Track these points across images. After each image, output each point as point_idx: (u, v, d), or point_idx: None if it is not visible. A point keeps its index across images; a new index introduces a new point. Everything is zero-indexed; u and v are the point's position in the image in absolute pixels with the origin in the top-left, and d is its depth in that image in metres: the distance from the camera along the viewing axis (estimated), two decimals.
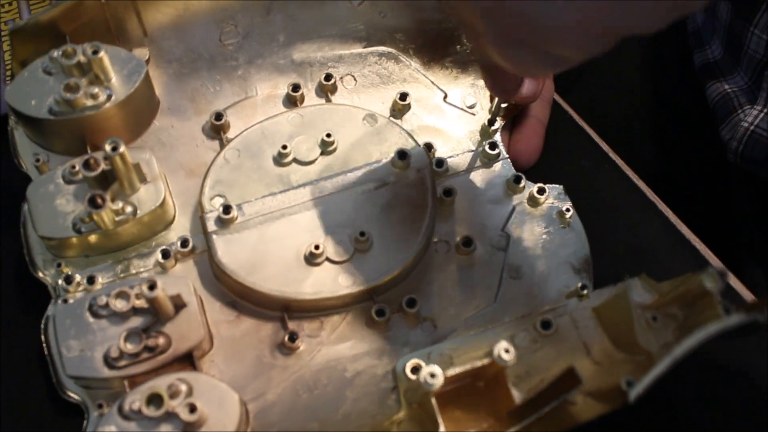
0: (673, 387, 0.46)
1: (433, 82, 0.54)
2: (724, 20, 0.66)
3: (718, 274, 0.37)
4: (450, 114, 0.53)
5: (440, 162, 0.50)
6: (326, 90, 0.53)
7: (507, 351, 0.38)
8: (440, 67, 0.55)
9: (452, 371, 0.38)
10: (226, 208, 0.46)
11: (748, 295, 0.49)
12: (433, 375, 0.37)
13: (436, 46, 0.55)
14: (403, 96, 0.52)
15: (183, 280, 0.43)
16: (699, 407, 0.46)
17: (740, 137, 0.63)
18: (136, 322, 0.42)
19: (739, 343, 0.46)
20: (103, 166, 0.44)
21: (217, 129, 0.51)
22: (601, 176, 0.55)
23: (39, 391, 0.45)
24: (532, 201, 0.49)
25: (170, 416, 0.38)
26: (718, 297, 0.37)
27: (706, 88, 0.69)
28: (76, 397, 0.43)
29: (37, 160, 0.49)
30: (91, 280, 0.46)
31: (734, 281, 0.50)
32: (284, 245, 0.46)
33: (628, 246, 0.51)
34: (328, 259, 0.46)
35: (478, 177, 0.50)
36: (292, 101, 0.53)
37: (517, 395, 0.40)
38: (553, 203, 0.49)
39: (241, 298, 0.46)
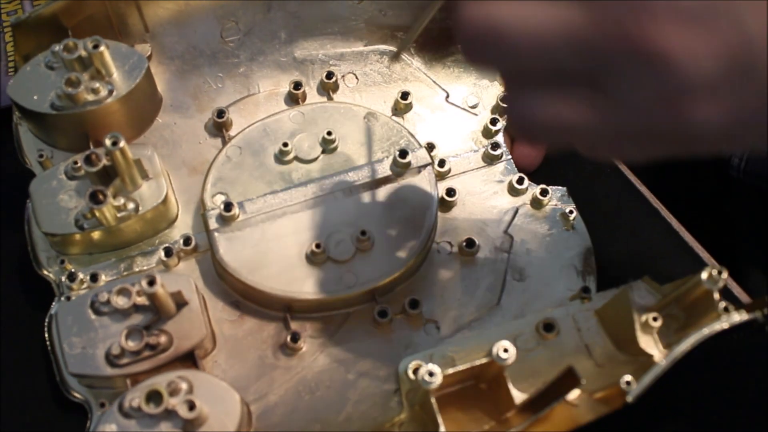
0: (674, 384, 0.46)
1: (434, 82, 0.54)
2: None
3: (717, 272, 0.37)
4: (452, 113, 0.53)
5: (442, 162, 0.50)
6: (328, 88, 0.53)
7: (506, 350, 0.38)
8: (442, 66, 0.55)
9: (451, 370, 0.39)
10: (228, 206, 0.46)
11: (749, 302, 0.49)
12: (431, 373, 0.37)
13: (437, 45, 0.55)
14: (405, 95, 0.52)
15: (184, 278, 0.43)
16: (700, 404, 0.46)
17: (741, 153, 0.62)
18: (137, 319, 0.42)
19: (739, 341, 0.47)
20: (104, 161, 0.44)
21: (219, 126, 0.51)
22: (603, 181, 0.54)
23: (42, 390, 0.45)
24: (535, 202, 0.49)
25: (170, 414, 0.38)
26: (716, 295, 0.37)
27: None
28: (79, 396, 0.43)
29: (41, 156, 0.49)
30: (94, 278, 0.46)
31: (737, 289, 0.50)
32: (286, 244, 0.46)
33: (629, 251, 0.51)
34: (329, 258, 0.46)
35: (480, 177, 0.50)
36: (293, 99, 0.53)
37: (518, 396, 0.40)
38: (556, 205, 0.49)
39: (243, 298, 0.46)
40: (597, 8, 0.27)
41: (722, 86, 0.28)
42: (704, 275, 0.38)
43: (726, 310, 0.38)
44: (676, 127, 0.29)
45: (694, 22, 0.26)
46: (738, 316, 0.37)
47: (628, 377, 0.37)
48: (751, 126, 0.29)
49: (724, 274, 0.37)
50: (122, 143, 0.43)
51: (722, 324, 0.37)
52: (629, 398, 0.37)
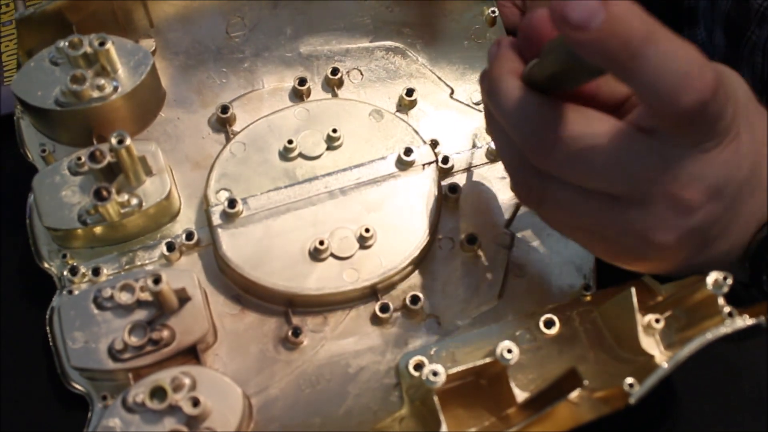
0: (676, 383, 0.46)
1: (440, 78, 0.54)
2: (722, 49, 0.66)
3: (722, 278, 0.37)
4: (456, 110, 0.53)
5: (446, 159, 0.50)
6: (333, 84, 0.53)
7: (510, 351, 0.38)
8: (447, 62, 0.55)
9: (454, 369, 0.39)
10: (232, 202, 0.46)
11: None
12: (435, 373, 0.37)
13: (443, 42, 0.55)
14: (410, 91, 0.52)
15: (187, 274, 0.43)
16: (700, 403, 0.47)
17: None
18: (140, 314, 0.42)
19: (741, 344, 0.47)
20: (108, 158, 0.44)
21: (223, 122, 0.51)
22: None
23: (44, 383, 0.46)
24: None
25: (173, 409, 0.39)
26: (721, 301, 0.37)
27: None
28: (80, 388, 0.43)
29: (44, 151, 0.49)
30: (96, 272, 0.46)
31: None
32: (289, 240, 0.46)
33: None
34: (332, 254, 0.46)
35: (483, 174, 0.50)
36: (298, 95, 0.53)
37: (519, 394, 0.40)
38: None
39: (245, 292, 0.46)
40: (659, 174, 0.35)
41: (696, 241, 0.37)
42: (709, 280, 0.38)
43: (730, 315, 0.37)
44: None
45: (711, 194, 0.35)
46: (741, 321, 0.37)
47: (630, 379, 0.37)
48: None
49: (729, 280, 0.37)
50: (128, 141, 0.43)
51: (726, 329, 0.37)
52: (632, 400, 0.37)
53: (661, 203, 0.35)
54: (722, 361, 0.47)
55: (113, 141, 0.43)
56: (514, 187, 0.40)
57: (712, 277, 0.37)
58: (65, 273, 0.46)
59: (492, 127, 0.42)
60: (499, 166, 0.50)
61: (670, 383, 0.46)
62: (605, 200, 0.36)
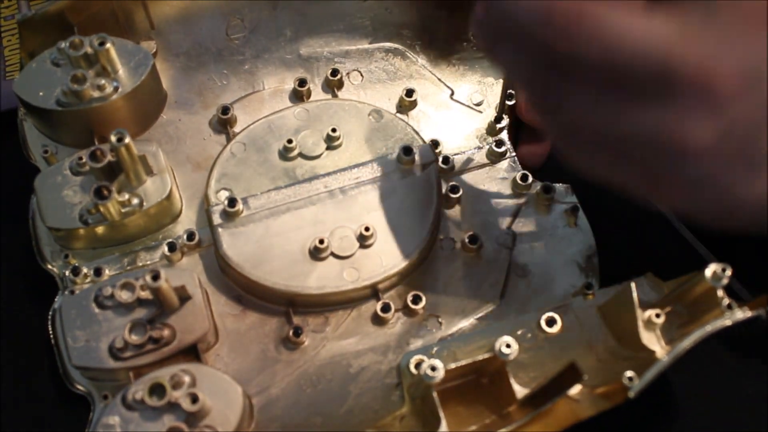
0: (676, 383, 0.46)
1: (439, 79, 0.54)
2: None
3: (721, 269, 0.37)
4: (457, 111, 0.53)
5: (446, 159, 0.50)
6: (332, 85, 0.53)
7: (508, 345, 0.38)
8: (447, 64, 0.55)
9: (453, 365, 0.39)
10: (232, 202, 0.46)
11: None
12: (433, 368, 0.37)
13: (443, 43, 0.55)
14: (410, 92, 0.52)
15: (188, 272, 0.43)
16: (700, 403, 0.46)
17: None
18: (141, 313, 0.42)
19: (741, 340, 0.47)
20: (109, 157, 0.44)
21: (223, 123, 0.51)
22: None
23: (46, 383, 0.46)
24: (539, 199, 0.49)
25: (173, 406, 0.39)
26: (720, 292, 0.37)
27: None
28: (82, 388, 0.43)
29: (46, 152, 0.49)
30: (98, 272, 0.46)
31: (738, 286, 0.50)
32: (289, 239, 0.46)
33: (633, 247, 0.51)
34: (332, 253, 0.46)
35: (484, 174, 0.50)
36: (298, 96, 0.53)
37: (519, 391, 0.40)
38: (559, 202, 0.49)
39: (246, 292, 0.46)
40: (694, 43, 0.31)
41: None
42: (708, 272, 0.38)
43: (729, 307, 0.38)
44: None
45: (745, 80, 0.31)
46: (741, 314, 0.37)
47: (630, 373, 0.37)
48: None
49: (728, 272, 0.37)
50: (127, 140, 0.43)
51: (725, 321, 0.37)
52: (631, 393, 0.37)
53: (689, 91, 0.31)
54: (722, 361, 0.47)
55: (113, 139, 0.43)
56: (531, 97, 0.37)
57: (711, 269, 0.37)
58: (67, 273, 0.46)
59: (498, 49, 0.37)
60: (500, 167, 0.51)
61: (670, 384, 0.46)
62: (628, 97, 0.32)
